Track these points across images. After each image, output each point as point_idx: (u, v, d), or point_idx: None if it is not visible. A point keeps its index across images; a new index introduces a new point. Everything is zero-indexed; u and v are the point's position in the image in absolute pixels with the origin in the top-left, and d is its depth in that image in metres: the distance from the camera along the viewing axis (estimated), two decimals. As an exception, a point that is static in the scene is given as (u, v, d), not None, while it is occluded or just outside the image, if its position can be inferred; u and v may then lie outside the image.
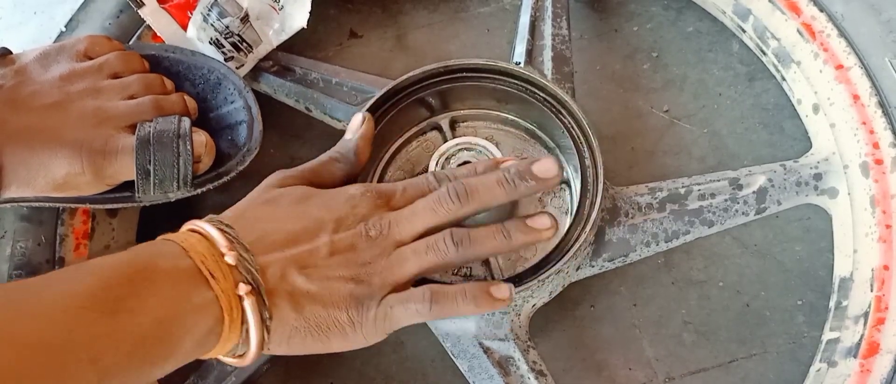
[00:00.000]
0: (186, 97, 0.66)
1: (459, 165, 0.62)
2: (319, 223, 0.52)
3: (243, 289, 0.47)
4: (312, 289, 0.50)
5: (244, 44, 0.70)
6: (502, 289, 0.54)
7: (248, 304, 0.47)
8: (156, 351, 0.44)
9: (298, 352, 0.52)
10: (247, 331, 0.48)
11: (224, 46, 0.69)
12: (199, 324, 0.46)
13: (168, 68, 0.69)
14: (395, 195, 0.55)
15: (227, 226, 0.49)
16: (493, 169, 0.55)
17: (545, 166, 0.53)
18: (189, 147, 0.61)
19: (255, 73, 0.73)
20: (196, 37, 0.69)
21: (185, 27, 0.70)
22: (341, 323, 0.51)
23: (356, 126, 0.61)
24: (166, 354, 0.45)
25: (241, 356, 0.50)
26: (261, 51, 0.72)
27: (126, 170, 0.60)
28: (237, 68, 0.70)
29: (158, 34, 0.70)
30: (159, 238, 0.49)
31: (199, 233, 0.49)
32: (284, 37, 0.72)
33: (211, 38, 0.69)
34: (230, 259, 0.47)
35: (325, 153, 0.59)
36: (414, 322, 0.53)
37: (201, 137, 0.63)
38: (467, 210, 0.53)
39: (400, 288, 0.53)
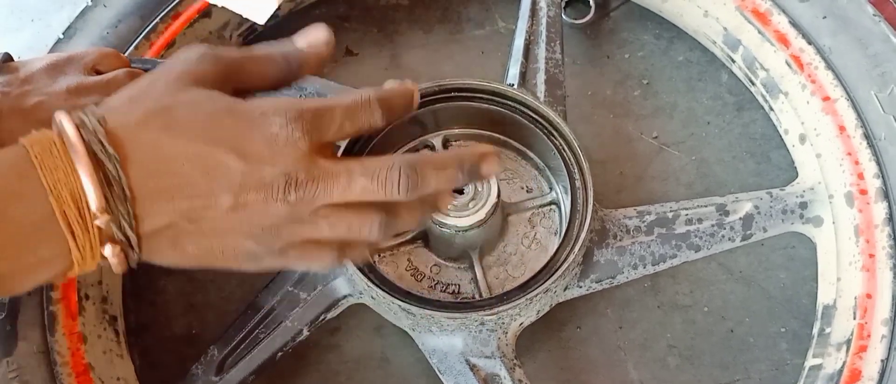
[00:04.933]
0: None
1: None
2: (225, 173, 0.42)
3: (110, 250, 0.41)
4: (201, 240, 0.43)
5: None
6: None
7: (111, 256, 0.41)
8: None
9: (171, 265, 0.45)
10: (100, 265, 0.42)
11: None
12: (41, 274, 0.41)
13: None
14: (331, 128, 0.45)
15: (110, 157, 0.40)
16: (444, 158, 0.48)
17: (489, 167, 0.48)
18: None
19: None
20: None
21: None
22: (228, 265, 0.45)
23: (318, 41, 0.51)
24: (6, 292, 0.40)
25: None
26: None
27: None
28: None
29: None
30: (22, 142, 0.40)
31: (69, 162, 0.40)
32: None
33: None
34: (101, 223, 0.40)
35: (262, 49, 0.50)
36: None
37: None
38: (406, 200, 0.46)
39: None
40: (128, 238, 0.41)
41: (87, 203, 0.40)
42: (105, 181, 0.40)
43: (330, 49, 0.51)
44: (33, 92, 0.60)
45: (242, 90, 0.47)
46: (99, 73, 0.65)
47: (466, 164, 0.47)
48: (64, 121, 0.41)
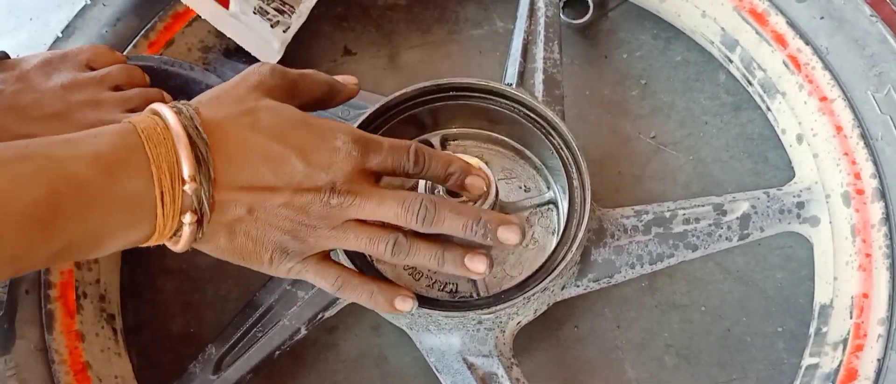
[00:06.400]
0: None
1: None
2: (289, 175, 0.50)
3: (188, 218, 0.47)
4: (252, 230, 0.50)
5: (286, 5, 0.71)
6: (406, 303, 0.56)
7: (187, 229, 0.48)
8: (78, 253, 0.45)
9: (214, 255, 0.53)
10: (175, 238, 0.49)
11: (268, 13, 0.70)
12: (130, 237, 0.47)
13: (166, 81, 0.69)
14: (377, 157, 0.53)
15: (203, 141, 0.47)
16: (466, 208, 0.54)
17: (509, 235, 0.53)
18: None
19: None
20: (240, 10, 0.68)
21: (226, 4, 0.69)
22: (262, 259, 0.52)
23: (350, 80, 0.61)
24: (87, 256, 0.47)
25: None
26: (303, 8, 0.73)
27: None
28: (284, 31, 0.72)
29: (198, 13, 0.70)
30: (130, 124, 0.47)
31: (170, 141, 0.47)
32: None
33: (255, 7, 0.69)
34: (189, 189, 0.46)
35: (314, 72, 0.58)
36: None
37: None
38: (423, 231, 0.53)
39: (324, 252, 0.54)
40: (203, 213, 0.48)
41: (180, 174, 0.46)
42: (196, 159, 0.47)
43: (358, 88, 0.61)
44: (28, 89, 0.60)
45: (297, 103, 0.54)
46: (93, 69, 0.65)
47: (484, 218, 0.53)
48: (164, 110, 0.48)
